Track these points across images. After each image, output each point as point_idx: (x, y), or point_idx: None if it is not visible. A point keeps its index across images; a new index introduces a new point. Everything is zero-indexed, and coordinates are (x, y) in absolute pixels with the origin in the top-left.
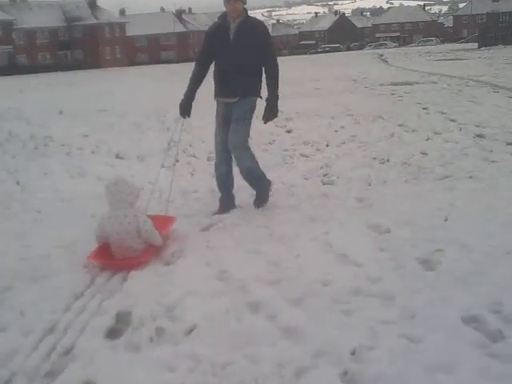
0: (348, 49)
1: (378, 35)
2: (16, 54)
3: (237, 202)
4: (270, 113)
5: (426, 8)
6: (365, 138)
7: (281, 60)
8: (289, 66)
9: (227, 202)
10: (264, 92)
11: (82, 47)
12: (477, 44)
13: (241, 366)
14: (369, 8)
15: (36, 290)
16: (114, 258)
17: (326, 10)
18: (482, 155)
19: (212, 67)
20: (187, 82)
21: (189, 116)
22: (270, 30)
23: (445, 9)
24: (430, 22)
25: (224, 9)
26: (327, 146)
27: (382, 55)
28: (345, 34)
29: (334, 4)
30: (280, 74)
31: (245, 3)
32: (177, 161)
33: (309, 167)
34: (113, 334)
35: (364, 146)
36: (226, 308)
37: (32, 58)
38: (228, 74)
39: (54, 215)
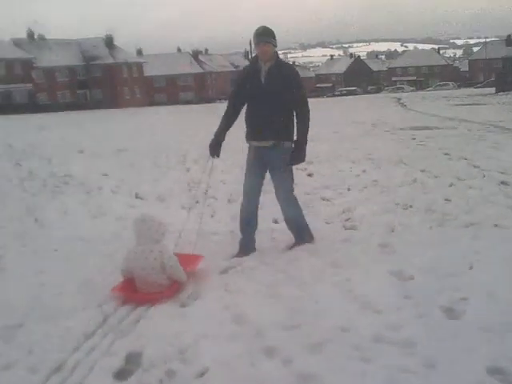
0: (365, 92)
1: (394, 79)
2: (36, 92)
3: (257, 246)
4: (297, 158)
5: (441, 52)
6: (386, 182)
7: None
8: None
9: (248, 245)
10: None
11: (101, 86)
12: (494, 89)
13: None
14: (383, 51)
15: (46, 329)
16: (137, 291)
17: (341, 52)
18: (507, 203)
19: (244, 109)
20: (207, 122)
21: (218, 156)
22: None
23: (459, 52)
24: (445, 66)
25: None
26: (349, 190)
27: (399, 99)
28: (361, 77)
29: (349, 47)
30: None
31: (275, 46)
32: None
33: (330, 211)
34: (122, 375)
35: (386, 190)
36: (240, 352)
37: (52, 97)
38: (260, 118)
39: (70, 254)
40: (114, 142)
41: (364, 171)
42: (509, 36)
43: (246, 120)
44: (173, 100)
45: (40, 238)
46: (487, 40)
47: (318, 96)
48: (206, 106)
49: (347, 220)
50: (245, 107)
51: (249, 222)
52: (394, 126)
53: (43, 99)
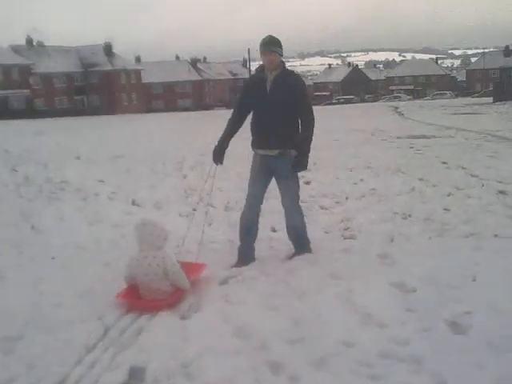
0: (362, 100)
1: (391, 87)
2: (33, 98)
3: (255, 255)
4: (300, 165)
5: (439, 62)
6: (385, 191)
7: None
8: None
9: (247, 254)
10: None
11: (98, 93)
12: (491, 98)
13: None
14: (381, 61)
15: (47, 341)
16: (141, 298)
17: (339, 61)
18: (507, 212)
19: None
20: (204, 129)
21: (221, 163)
22: None
23: (457, 63)
24: (443, 76)
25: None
26: (347, 198)
27: (397, 108)
28: (358, 86)
29: (347, 56)
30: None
31: (281, 55)
32: (194, 210)
33: (329, 220)
34: None
35: (384, 199)
36: (244, 367)
37: (49, 102)
38: (266, 126)
39: (68, 262)
40: (110, 149)
41: (362, 180)
42: (507, 46)
43: (251, 128)
44: (170, 107)
45: (37, 245)
46: (485, 50)
47: (315, 104)
48: (203, 112)
49: (346, 229)
50: (250, 115)
51: (249, 230)
52: (392, 135)
53: (40, 105)
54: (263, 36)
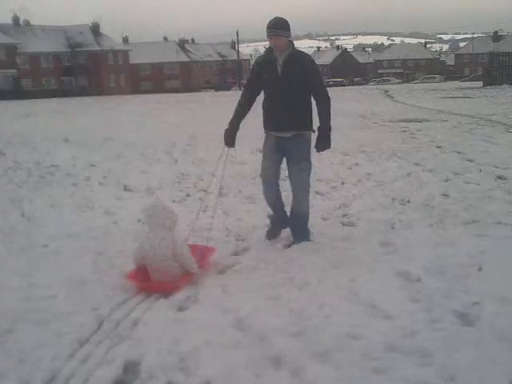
0: (351, 83)
1: (380, 71)
2: (21, 78)
3: (254, 244)
4: (323, 143)
5: (427, 46)
6: (381, 176)
7: None
8: None
9: (281, 220)
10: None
11: (86, 73)
12: (481, 83)
13: None
14: (370, 44)
15: (38, 334)
16: (150, 280)
17: (328, 44)
18: (508, 199)
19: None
20: (193, 112)
21: (233, 146)
22: None
23: (445, 47)
24: (431, 60)
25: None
26: (342, 184)
27: (387, 91)
28: (347, 69)
29: (336, 39)
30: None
31: (288, 37)
32: (187, 195)
33: (326, 206)
34: None
35: (381, 185)
36: (244, 361)
37: (37, 83)
38: (279, 108)
39: (60, 251)
40: (99, 131)
41: (356, 164)
42: (496, 32)
43: (264, 110)
44: (159, 88)
45: (28, 233)
46: (474, 36)
47: None
48: (193, 94)
49: (344, 216)
50: (261, 97)
51: (275, 205)
52: (384, 118)
53: (28, 86)
54: (269, 18)
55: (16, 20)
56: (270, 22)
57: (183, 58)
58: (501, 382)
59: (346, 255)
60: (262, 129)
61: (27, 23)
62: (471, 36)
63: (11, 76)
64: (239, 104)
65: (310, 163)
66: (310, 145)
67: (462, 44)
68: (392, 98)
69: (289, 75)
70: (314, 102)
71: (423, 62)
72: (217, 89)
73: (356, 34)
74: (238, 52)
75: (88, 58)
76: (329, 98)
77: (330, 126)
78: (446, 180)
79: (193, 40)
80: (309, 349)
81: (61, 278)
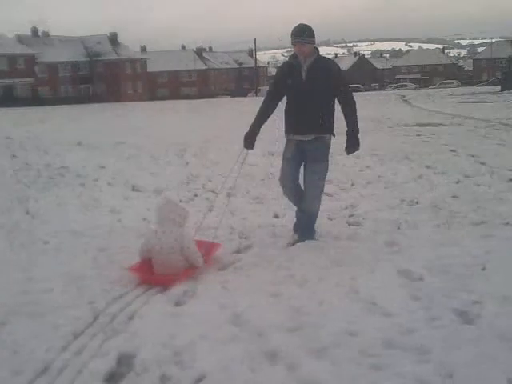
0: (368, 89)
1: (398, 76)
2: (38, 86)
3: (256, 242)
4: (352, 146)
5: (445, 51)
6: (391, 178)
7: None
8: None
9: None
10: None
11: (103, 82)
12: (499, 87)
13: None
14: (388, 50)
15: (33, 327)
16: (153, 273)
17: (345, 51)
18: None
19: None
20: (208, 117)
21: (252, 149)
22: None
23: (464, 52)
24: (449, 65)
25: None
26: (352, 185)
27: (404, 96)
28: (365, 75)
29: (354, 46)
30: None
31: (313, 44)
32: (195, 195)
33: (333, 207)
34: (112, 378)
35: (391, 186)
36: (240, 356)
37: (54, 91)
38: (302, 113)
39: (61, 248)
40: (112, 135)
41: (368, 167)
42: None
43: (286, 115)
44: (175, 95)
45: (30, 230)
46: (493, 40)
47: None
48: (208, 101)
49: (351, 216)
50: (283, 102)
51: (298, 202)
52: (399, 123)
53: (45, 93)
54: (294, 26)
55: (35, 31)
56: (294, 28)
57: (200, 65)
58: (500, 381)
59: (349, 254)
60: (279, 133)
61: (46, 34)
62: (489, 41)
63: (29, 84)
64: (261, 109)
65: (327, 167)
66: (329, 148)
67: (480, 49)
68: (409, 102)
69: (313, 81)
70: (337, 106)
71: (441, 67)
72: (233, 95)
73: (374, 41)
74: (255, 59)
75: (106, 67)
76: (354, 101)
77: (358, 129)
78: (457, 182)
79: (210, 48)
80: (306, 344)
81: (59, 272)
